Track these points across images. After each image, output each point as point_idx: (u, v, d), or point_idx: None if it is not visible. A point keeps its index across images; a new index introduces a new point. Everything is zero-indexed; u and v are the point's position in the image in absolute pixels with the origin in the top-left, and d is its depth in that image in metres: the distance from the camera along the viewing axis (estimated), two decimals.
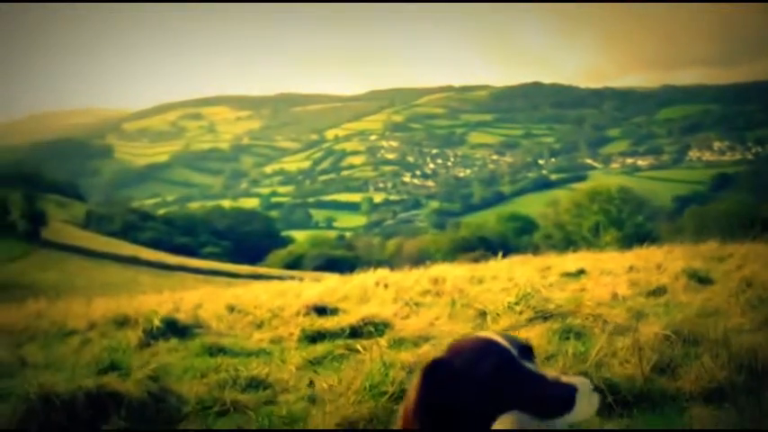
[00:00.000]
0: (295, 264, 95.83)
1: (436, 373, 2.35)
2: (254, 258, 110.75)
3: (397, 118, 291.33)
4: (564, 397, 2.21)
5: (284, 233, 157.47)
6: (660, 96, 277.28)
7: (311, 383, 6.43)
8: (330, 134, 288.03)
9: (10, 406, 6.01)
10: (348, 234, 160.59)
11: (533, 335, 7.71)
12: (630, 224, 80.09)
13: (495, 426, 2.22)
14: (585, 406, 2.23)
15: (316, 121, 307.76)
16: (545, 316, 8.50)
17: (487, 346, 2.34)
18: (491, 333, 2.38)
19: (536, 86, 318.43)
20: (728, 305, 9.42)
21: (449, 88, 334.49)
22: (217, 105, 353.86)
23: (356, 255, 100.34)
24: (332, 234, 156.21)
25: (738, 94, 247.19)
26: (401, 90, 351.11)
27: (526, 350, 2.35)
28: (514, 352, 2.30)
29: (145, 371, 6.46)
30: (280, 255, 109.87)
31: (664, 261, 17.02)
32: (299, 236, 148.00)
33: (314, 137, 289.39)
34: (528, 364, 2.30)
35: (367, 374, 5.89)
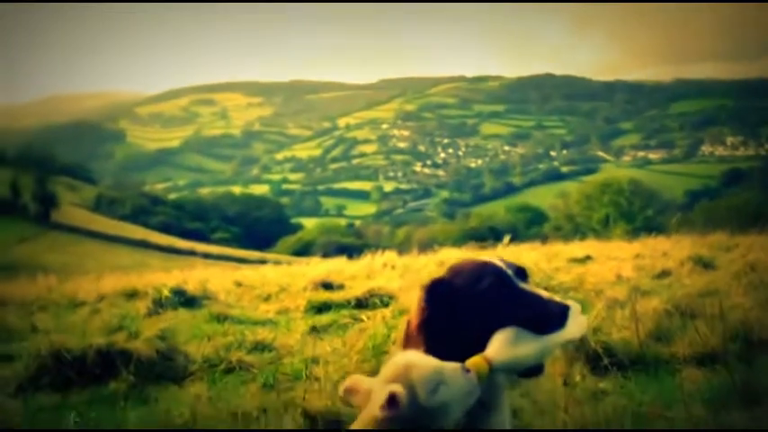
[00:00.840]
0: (304, 250, 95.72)
1: (438, 290, 2.52)
2: (264, 245, 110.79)
3: (409, 107, 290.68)
4: (558, 313, 2.39)
5: (294, 220, 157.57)
6: (673, 90, 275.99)
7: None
8: (342, 122, 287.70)
9: (23, 363, 6.17)
10: (358, 222, 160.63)
11: None
12: (641, 217, 79.80)
13: (493, 340, 2.37)
14: (576, 325, 2.41)
15: (327, 109, 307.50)
16: (547, 290, 8.60)
17: (485, 267, 2.51)
18: (487, 256, 2.53)
19: (548, 78, 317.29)
20: (730, 287, 9.47)
21: (461, 78, 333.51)
22: (229, 91, 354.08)
23: (365, 242, 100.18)
24: (342, 222, 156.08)
25: (753, 90, 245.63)
26: (413, 79, 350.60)
27: (521, 272, 2.52)
28: (510, 272, 2.48)
29: (153, 331, 6.62)
30: (289, 241, 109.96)
31: (671, 249, 17.09)
32: (309, 223, 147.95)
33: (325, 124, 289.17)
34: (523, 284, 2.47)
35: (370, 336, 6.06)
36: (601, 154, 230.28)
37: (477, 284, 2.48)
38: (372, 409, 2.13)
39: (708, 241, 18.72)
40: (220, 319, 8.93)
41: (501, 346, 2.35)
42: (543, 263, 15.02)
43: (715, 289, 9.20)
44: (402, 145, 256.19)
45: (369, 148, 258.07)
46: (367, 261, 17.11)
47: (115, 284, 15.28)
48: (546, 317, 2.40)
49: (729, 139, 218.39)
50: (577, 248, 20.61)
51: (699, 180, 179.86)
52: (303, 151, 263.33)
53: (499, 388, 2.49)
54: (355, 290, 9.96)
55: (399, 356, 2.22)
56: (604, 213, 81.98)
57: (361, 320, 7.66)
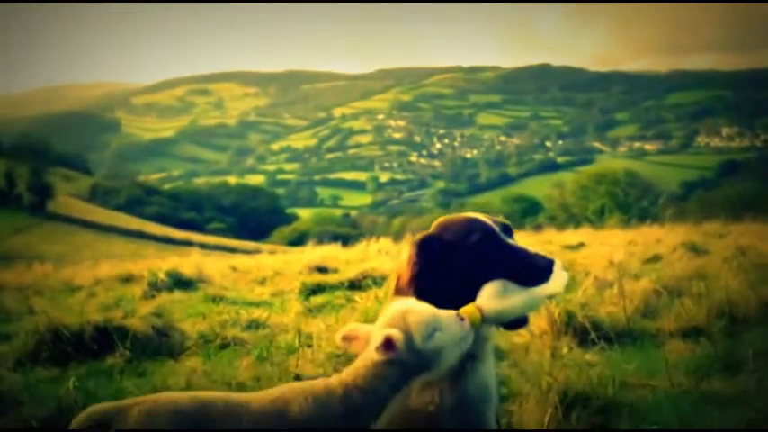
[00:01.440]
0: (299, 241, 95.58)
1: (428, 245, 2.71)
2: (259, 235, 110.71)
3: (405, 97, 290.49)
4: (544, 266, 2.58)
5: (289, 210, 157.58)
6: (670, 81, 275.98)
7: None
8: (337, 112, 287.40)
9: (21, 340, 6.27)
10: (353, 212, 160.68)
11: None
12: (636, 208, 79.89)
13: (483, 291, 2.50)
14: (559, 280, 2.59)
15: (323, 99, 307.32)
16: None
17: (473, 223, 2.71)
18: (474, 213, 2.72)
19: (545, 68, 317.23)
20: (720, 270, 9.59)
21: (457, 69, 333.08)
22: (224, 81, 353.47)
23: (361, 233, 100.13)
24: (337, 212, 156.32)
25: (750, 81, 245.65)
26: (409, 70, 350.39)
27: (507, 228, 2.73)
28: (497, 228, 2.68)
29: (149, 308, 6.74)
30: (284, 232, 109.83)
31: (664, 237, 17.24)
32: (304, 213, 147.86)
33: (321, 115, 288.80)
34: (509, 240, 2.66)
35: (362, 312, 6.18)
36: (597, 145, 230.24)
37: (466, 239, 2.67)
38: (370, 353, 2.26)
39: (701, 229, 18.86)
40: (216, 299, 9.05)
41: (490, 297, 2.51)
42: (536, 247, 15.12)
43: (705, 272, 9.31)
44: (398, 135, 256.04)
45: (364, 139, 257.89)
46: (362, 247, 17.20)
47: (111, 270, 15.41)
48: (532, 269, 2.58)
49: (725, 131, 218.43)
50: (571, 236, 20.79)
51: (695, 171, 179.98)
52: (298, 141, 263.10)
53: (485, 340, 2.70)
54: (349, 273, 10.08)
55: (397, 303, 2.35)
56: (600, 204, 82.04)
57: (355, 301, 7.76)
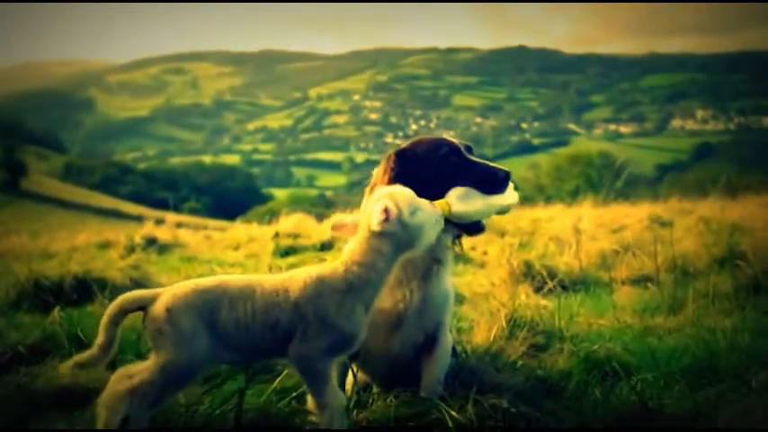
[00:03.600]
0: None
1: (404, 155, 3.19)
2: (234, 214, 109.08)
3: (381, 78, 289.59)
4: (501, 176, 3.08)
5: (265, 190, 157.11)
6: (645, 64, 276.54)
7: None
8: (313, 92, 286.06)
9: (2, 290, 6.46)
10: (329, 193, 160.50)
11: (490, 249, 8.26)
12: (610, 189, 79.99)
13: (448, 195, 2.98)
14: (513, 192, 3.12)
15: (299, 79, 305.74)
16: (502, 233, 9.04)
17: (441, 140, 3.19)
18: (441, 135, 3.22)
19: (521, 50, 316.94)
20: (681, 237, 9.93)
21: (433, 50, 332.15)
22: (199, 60, 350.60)
23: (336, 213, 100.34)
24: (313, 192, 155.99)
25: (725, 64, 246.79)
26: (385, 50, 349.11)
27: (469, 148, 3.21)
28: (461, 147, 3.16)
29: (128, 261, 6.97)
30: (260, 211, 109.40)
31: (632, 212, 17.58)
32: (280, 193, 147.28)
33: (296, 95, 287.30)
34: (472, 156, 3.15)
35: None
36: (572, 126, 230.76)
37: (436, 152, 3.13)
38: (364, 232, 2.69)
39: (669, 206, 19.23)
40: (191, 260, 9.29)
41: (455, 199, 2.96)
42: (505, 219, 15.45)
43: (668, 240, 9.64)
44: (374, 116, 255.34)
45: (340, 119, 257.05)
46: (336, 217, 17.39)
47: (88, 238, 15.53)
48: (492, 178, 3.06)
49: (700, 113, 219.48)
50: (541, 211, 21.09)
51: (669, 153, 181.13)
52: (274, 121, 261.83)
53: (447, 247, 3.17)
54: (322, 236, 10.35)
55: (381, 189, 2.78)
56: (574, 185, 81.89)
57: (326, 260, 7.99)
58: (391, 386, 3.16)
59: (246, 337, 2.59)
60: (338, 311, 2.61)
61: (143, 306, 2.58)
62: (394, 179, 3.07)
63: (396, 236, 2.64)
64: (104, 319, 2.58)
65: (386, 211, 2.59)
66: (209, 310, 2.56)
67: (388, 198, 2.63)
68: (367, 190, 3.22)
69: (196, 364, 2.54)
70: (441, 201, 2.89)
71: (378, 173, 3.22)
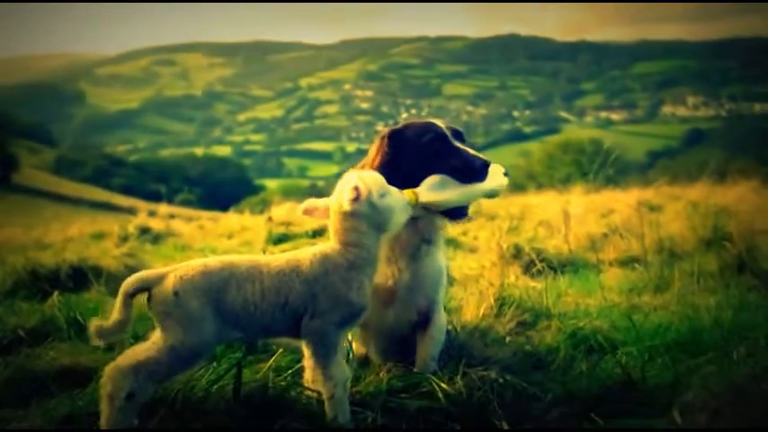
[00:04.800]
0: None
1: (396, 136, 3.31)
2: (227, 206, 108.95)
3: (372, 67, 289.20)
4: (477, 168, 3.13)
5: (257, 181, 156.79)
6: (636, 51, 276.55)
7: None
8: (304, 82, 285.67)
9: None
10: (321, 183, 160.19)
11: (481, 234, 8.36)
12: (601, 177, 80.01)
13: (423, 182, 3.09)
14: (496, 180, 3.17)
15: (289, 70, 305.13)
16: (492, 216, 9.14)
17: (428, 126, 3.28)
18: (434, 119, 3.32)
19: (512, 38, 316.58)
20: (670, 221, 10.03)
21: (424, 38, 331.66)
22: (190, 52, 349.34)
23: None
24: (304, 182, 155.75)
25: (716, 51, 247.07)
26: (376, 39, 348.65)
27: (458, 134, 3.30)
28: (449, 133, 3.25)
29: (122, 250, 7.04)
30: (252, 202, 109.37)
31: (623, 197, 17.63)
32: (272, 184, 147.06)
33: (287, 85, 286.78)
34: (457, 143, 3.23)
35: None
36: (563, 114, 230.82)
37: (420, 139, 3.23)
38: (337, 214, 2.81)
39: (660, 191, 19.32)
40: (185, 249, 9.36)
41: (428, 187, 3.06)
42: (496, 203, 15.53)
43: (656, 222, 9.74)
44: (364, 105, 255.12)
45: (331, 109, 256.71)
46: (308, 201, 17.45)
47: (82, 229, 15.58)
48: (469, 168, 3.11)
49: (690, 100, 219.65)
50: (532, 197, 21.20)
51: (660, 140, 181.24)
52: (265, 112, 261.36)
53: (437, 228, 3.30)
54: (314, 224, 10.41)
55: (349, 174, 2.88)
56: (565, 173, 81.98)
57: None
58: (388, 360, 3.34)
59: (254, 315, 2.67)
60: (347, 287, 2.72)
61: (149, 286, 2.62)
62: (383, 161, 3.23)
63: (367, 216, 2.76)
64: (119, 297, 2.60)
65: (356, 189, 2.69)
66: (217, 291, 2.62)
67: (357, 179, 2.74)
68: (362, 165, 3.36)
69: (204, 345, 2.61)
70: (408, 190, 2.97)
71: (371, 151, 3.34)
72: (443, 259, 3.41)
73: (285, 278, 2.71)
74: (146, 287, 2.62)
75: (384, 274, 3.20)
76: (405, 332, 3.33)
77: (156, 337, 2.61)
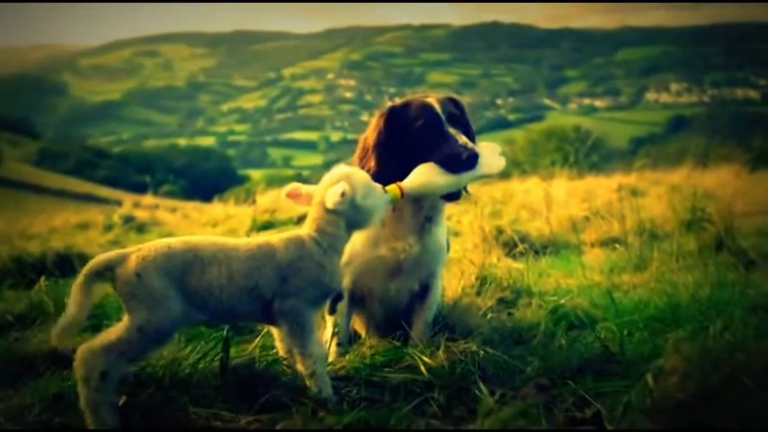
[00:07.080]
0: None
1: (393, 115, 3.45)
2: (211, 197, 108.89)
3: (355, 56, 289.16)
4: (465, 159, 3.20)
5: (241, 172, 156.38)
6: (619, 37, 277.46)
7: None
8: (287, 72, 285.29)
9: None
10: (305, 173, 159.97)
11: (464, 218, 8.41)
12: (585, 163, 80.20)
13: (413, 172, 3.19)
14: (493, 163, 3.39)
15: (272, 59, 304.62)
16: (476, 202, 9.16)
17: (424, 109, 3.37)
18: (431, 98, 3.42)
19: (495, 26, 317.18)
20: (652, 204, 10.13)
21: (407, 27, 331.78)
22: (172, 42, 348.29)
23: None
24: (289, 172, 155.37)
25: (698, 37, 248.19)
26: (359, 28, 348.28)
27: (453, 117, 3.38)
28: (443, 117, 3.33)
29: (108, 238, 7.07)
30: (236, 192, 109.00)
31: (605, 182, 17.73)
32: (256, 174, 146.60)
33: (271, 75, 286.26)
34: (450, 129, 3.31)
35: None
36: (547, 101, 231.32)
37: (414, 123, 3.34)
38: (321, 206, 2.85)
39: (643, 176, 19.42)
40: (170, 237, 9.35)
41: (415, 177, 3.16)
42: (478, 188, 15.56)
43: (638, 206, 9.81)
44: (348, 95, 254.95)
45: (315, 98, 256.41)
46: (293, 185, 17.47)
47: (66, 220, 15.53)
48: (455, 160, 3.19)
49: (674, 86, 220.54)
50: (516, 184, 21.28)
51: (644, 127, 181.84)
52: (248, 102, 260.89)
53: (438, 210, 3.48)
54: (299, 211, 10.44)
55: (340, 168, 2.95)
56: (550, 160, 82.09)
57: None
58: (386, 327, 3.57)
59: (220, 299, 2.68)
60: (322, 271, 2.78)
61: (111, 267, 2.60)
62: (378, 140, 3.40)
63: (348, 215, 2.83)
64: (77, 281, 2.57)
65: (343, 194, 2.75)
66: (180, 272, 2.61)
67: (346, 180, 2.80)
68: (361, 139, 3.56)
69: (172, 324, 2.61)
70: (393, 186, 3.06)
71: (371, 126, 3.49)
72: (445, 235, 3.59)
73: (256, 263, 2.73)
74: (108, 267, 2.60)
75: (394, 248, 3.40)
76: (404, 302, 3.54)
77: (125, 320, 2.60)
